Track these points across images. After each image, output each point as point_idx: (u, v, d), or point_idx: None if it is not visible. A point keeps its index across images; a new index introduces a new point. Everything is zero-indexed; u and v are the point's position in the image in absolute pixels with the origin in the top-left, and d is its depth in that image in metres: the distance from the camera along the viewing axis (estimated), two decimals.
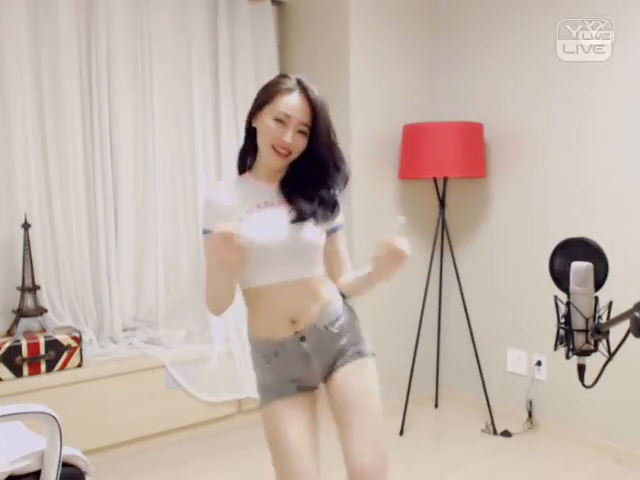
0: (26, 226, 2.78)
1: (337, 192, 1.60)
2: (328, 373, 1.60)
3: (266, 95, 1.54)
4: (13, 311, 2.82)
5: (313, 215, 1.55)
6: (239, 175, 1.66)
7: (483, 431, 3.13)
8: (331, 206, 1.58)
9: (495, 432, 3.10)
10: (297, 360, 1.56)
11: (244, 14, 3.39)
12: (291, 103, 1.50)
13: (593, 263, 1.27)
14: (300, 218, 1.53)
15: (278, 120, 1.50)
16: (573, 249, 1.32)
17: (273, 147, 1.51)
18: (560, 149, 2.98)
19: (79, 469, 1.70)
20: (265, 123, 1.52)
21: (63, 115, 2.96)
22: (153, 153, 3.23)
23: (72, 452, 1.68)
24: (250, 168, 1.64)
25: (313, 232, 1.55)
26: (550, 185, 3.04)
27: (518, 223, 3.20)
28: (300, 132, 1.52)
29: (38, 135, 2.93)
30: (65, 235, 3.00)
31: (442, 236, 3.33)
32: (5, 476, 1.53)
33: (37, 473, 1.58)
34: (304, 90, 1.52)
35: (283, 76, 1.57)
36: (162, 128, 3.25)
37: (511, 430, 3.09)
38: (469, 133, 3.12)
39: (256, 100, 1.57)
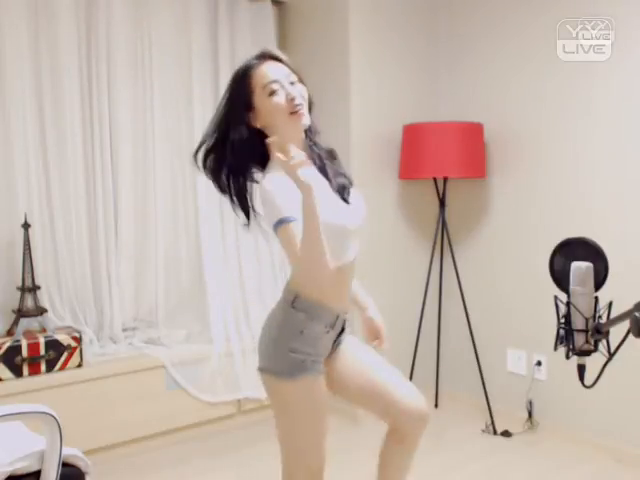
0: (26, 226, 2.78)
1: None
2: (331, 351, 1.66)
3: (244, 90, 1.50)
4: (13, 311, 2.82)
5: (349, 181, 1.59)
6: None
7: (483, 431, 3.13)
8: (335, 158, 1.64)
9: (495, 432, 3.10)
10: (332, 337, 1.61)
11: (244, 14, 3.39)
12: (266, 71, 1.50)
13: (593, 263, 1.27)
14: (347, 192, 1.56)
15: (273, 92, 1.47)
16: (573, 249, 1.32)
17: (291, 113, 1.48)
18: (560, 149, 2.98)
19: (79, 469, 1.70)
20: (268, 105, 1.48)
21: (63, 115, 2.96)
22: (153, 153, 3.23)
23: (72, 452, 1.68)
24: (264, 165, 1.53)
25: (362, 202, 1.60)
26: (550, 185, 3.04)
27: (518, 223, 3.20)
28: (293, 84, 1.51)
29: (38, 135, 2.93)
30: (65, 235, 3.00)
31: (442, 236, 3.33)
32: (5, 476, 1.53)
33: (37, 473, 1.58)
34: (264, 55, 1.54)
35: (239, 69, 1.55)
36: (162, 128, 3.25)
37: (511, 430, 3.09)
38: (469, 133, 3.12)
39: (236, 106, 1.50)
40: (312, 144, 1.58)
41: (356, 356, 1.68)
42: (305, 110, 1.50)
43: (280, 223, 1.38)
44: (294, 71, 1.54)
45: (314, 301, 1.52)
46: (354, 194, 1.59)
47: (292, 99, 1.47)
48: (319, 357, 1.55)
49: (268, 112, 1.48)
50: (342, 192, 1.54)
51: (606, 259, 1.28)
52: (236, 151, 1.50)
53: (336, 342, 1.64)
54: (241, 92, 1.50)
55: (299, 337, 1.50)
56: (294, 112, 1.48)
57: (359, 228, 1.57)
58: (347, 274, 1.59)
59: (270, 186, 1.43)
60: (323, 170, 1.56)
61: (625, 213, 2.75)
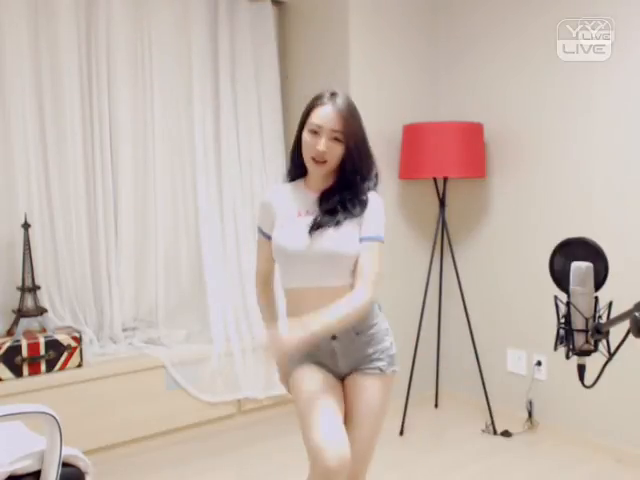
0: (26, 226, 2.78)
1: (368, 189, 1.68)
2: (349, 374, 1.72)
3: (305, 114, 1.67)
4: (13, 311, 2.82)
5: (335, 222, 1.63)
6: (294, 180, 1.77)
7: (483, 431, 3.13)
8: (355, 204, 1.65)
9: (495, 432, 3.10)
10: (326, 354, 1.69)
11: (244, 14, 3.39)
12: (322, 114, 1.62)
13: (593, 263, 1.27)
14: (316, 226, 1.63)
15: (312, 132, 1.63)
16: (573, 249, 1.32)
17: (312, 158, 1.64)
18: (560, 149, 2.99)
19: (79, 469, 1.69)
20: (303, 137, 1.65)
21: (63, 115, 2.96)
22: (153, 153, 3.23)
23: (72, 452, 1.68)
24: (305, 175, 1.75)
25: (334, 241, 1.62)
26: (550, 185, 3.04)
27: (518, 223, 3.20)
28: (335, 140, 1.62)
29: (38, 135, 2.92)
30: (65, 235, 3.00)
31: (442, 236, 3.33)
32: (5, 476, 1.53)
33: (37, 473, 1.58)
34: (333, 99, 1.64)
35: (320, 94, 1.67)
36: (162, 128, 3.25)
37: (511, 430, 3.09)
38: (469, 133, 3.12)
39: (299, 122, 1.69)
40: (339, 184, 1.67)
41: (362, 391, 1.70)
42: (325, 163, 1.62)
43: (258, 229, 1.80)
44: (346, 131, 1.62)
45: (288, 318, 1.74)
46: (334, 233, 1.62)
47: (318, 151, 1.61)
48: (306, 361, 1.69)
49: (303, 139, 1.66)
50: (313, 224, 1.64)
51: (606, 259, 1.28)
52: (291, 161, 1.77)
53: (357, 367, 1.69)
54: (302, 116, 1.68)
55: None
56: (314, 160, 1.63)
57: (303, 255, 1.62)
58: (310, 298, 1.64)
59: (266, 195, 1.80)
60: (322, 200, 1.68)
61: (625, 213, 2.75)
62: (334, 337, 1.66)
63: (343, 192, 1.66)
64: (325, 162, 1.63)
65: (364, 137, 1.68)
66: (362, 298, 1.58)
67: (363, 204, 1.65)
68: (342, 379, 1.73)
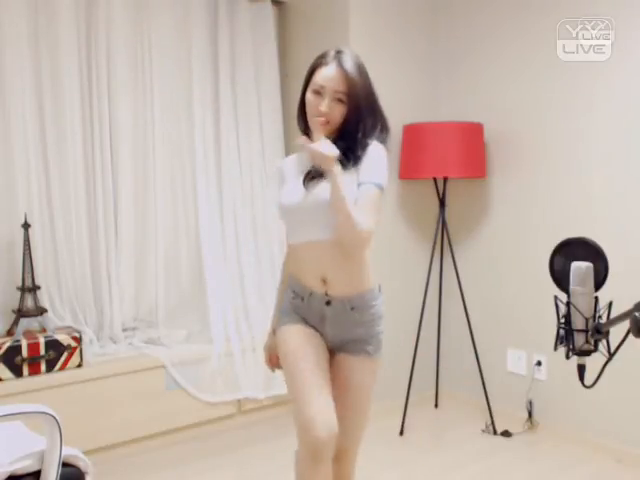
0: (26, 226, 2.78)
1: (367, 145, 1.64)
2: (334, 352, 1.73)
3: (309, 73, 1.66)
4: (13, 311, 2.82)
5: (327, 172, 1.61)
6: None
7: (483, 431, 3.13)
8: (350, 158, 1.62)
9: (495, 432, 3.10)
10: (316, 315, 1.70)
11: (244, 14, 3.39)
12: (326, 74, 1.61)
13: (593, 263, 1.27)
14: (309, 178, 1.64)
15: (316, 92, 1.62)
16: (573, 249, 1.32)
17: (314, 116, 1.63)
18: (560, 149, 2.99)
19: (79, 469, 1.69)
20: (307, 97, 1.65)
21: (63, 116, 2.96)
22: (153, 153, 3.23)
23: (72, 452, 1.68)
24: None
25: (327, 190, 1.58)
26: (550, 185, 3.04)
27: (518, 223, 3.20)
28: (338, 100, 1.61)
29: (38, 135, 2.92)
30: (65, 235, 3.00)
31: (442, 236, 3.33)
32: (5, 476, 1.53)
33: (37, 473, 1.58)
34: (338, 57, 1.62)
35: (325, 52, 1.65)
36: (162, 129, 3.25)
37: (511, 430, 3.09)
38: (469, 133, 3.12)
39: (304, 81, 1.68)
40: (338, 138, 1.64)
41: (348, 373, 1.71)
42: (328, 124, 1.61)
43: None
44: (350, 92, 1.60)
45: (292, 274, 1.76)
46: (327, 184, 1.59)
47: (320, 112, 1.61)
48: (296, 317, 1.72)
49: (306, 100, 1.66)
50: (305, 176, 1.66)
51: (606, 259, 1.28)
52: (298, 123, 1.76)
53: (344, 347, 1.70)
54: (307, 75, 1.67)
55: (286, 300, 1.77)
56: (317, 120, 1.62)
57: (300, 208, 1.63)
58: (309, 253, 1.66)
59: (278, 164, 1.89)
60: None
61: (625, 213, 2.75)
62: (328, 303, 1.66)
63: (337, 144, 1.61)
64: (328, 122, 1.62)
65: (371, 96, 1.65)
66: (361, 220, 1.54)
67: (357, 159, 1.62)
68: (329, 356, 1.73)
